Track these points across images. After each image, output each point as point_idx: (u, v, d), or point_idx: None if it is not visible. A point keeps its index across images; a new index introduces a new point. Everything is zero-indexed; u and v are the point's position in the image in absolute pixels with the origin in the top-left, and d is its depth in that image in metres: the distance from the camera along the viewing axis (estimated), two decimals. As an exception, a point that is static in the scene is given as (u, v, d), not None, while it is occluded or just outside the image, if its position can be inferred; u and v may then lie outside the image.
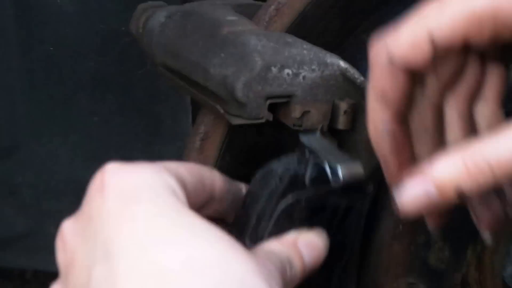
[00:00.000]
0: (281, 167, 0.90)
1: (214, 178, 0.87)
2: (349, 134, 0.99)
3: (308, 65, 0.95)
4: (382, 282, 1.05)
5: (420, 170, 0.80)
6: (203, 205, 0.86)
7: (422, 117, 0.89)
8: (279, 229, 0.90)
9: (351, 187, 0.92)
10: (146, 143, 1.63)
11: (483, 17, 0.79)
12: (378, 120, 0.86)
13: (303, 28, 1.03)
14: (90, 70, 1.55)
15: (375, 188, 0.99)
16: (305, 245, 0.87)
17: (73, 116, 1.58)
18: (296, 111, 0.95)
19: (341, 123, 0.97)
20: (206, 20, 1.02)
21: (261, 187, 0.91)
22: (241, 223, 0.92)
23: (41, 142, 1.59)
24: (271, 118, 0.94)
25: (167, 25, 1.07)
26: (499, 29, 0.79)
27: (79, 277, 0.72)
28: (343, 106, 0.96)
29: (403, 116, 0.88)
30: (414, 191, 0.79)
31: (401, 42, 0.81)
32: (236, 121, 0.95)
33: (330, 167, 0.89)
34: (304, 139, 0.94)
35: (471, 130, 0.90)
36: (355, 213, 0.95)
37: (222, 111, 0.96)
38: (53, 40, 1.51)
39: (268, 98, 0.94)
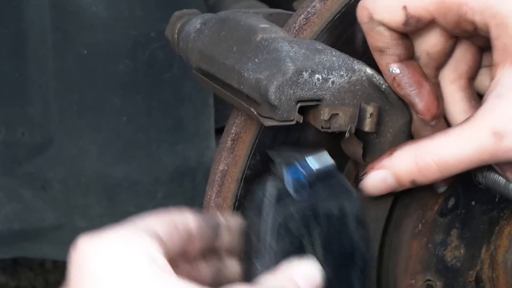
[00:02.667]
0: (264, 189, 0.90)
1: (187, 219, 0.86)
2: (374, 137, 0.98)
3: (337, 71, 0.95)
4: (401, 279, 1.04)
5: (380, 162, 0.93)
6: (184, 249, 0.85)
7: None
8: (283, 248, 0.90)
9: (332, 186, 0.92)
10: (171, 142, 1.62)
11: (450, 7, 0.88)
12: (383, 66, 0.95)
13: (332, 36, 1.02)
14: (120, 72, 1.54)
15: None
16: (302, 277, 0.87)
17: (103, 115, 1.57)
18: (325, 114, 0.95)
19: (367, 125, 0.96)
20: (240, 27, 1.01)
21: (255, 215, 0.90)
22: (248, 253, 0.91)
23: (72, 140, 1.58)
24: (301, 121, 0.93)
25: (202, 31, 1.06)
26: (462, 21, 0.88)
27: None
28: (369, 109, 0.95)
29: (405, 57, 0.95)
30: (375, 178, 0.93)
31: (378, 5, 0.92)
32: (268, 122, 0.94)
33: (301, 165, 0.91)
34: (272, 154, 0.94)
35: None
36: (352, 220, 0.94)
37: (255, 113, 0.95)
38: (87, 44, 1.51)
39: (299, 101, 0.93)
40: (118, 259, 0.73)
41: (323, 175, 0.92)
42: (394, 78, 0.94)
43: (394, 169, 0.92)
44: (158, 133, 1.61)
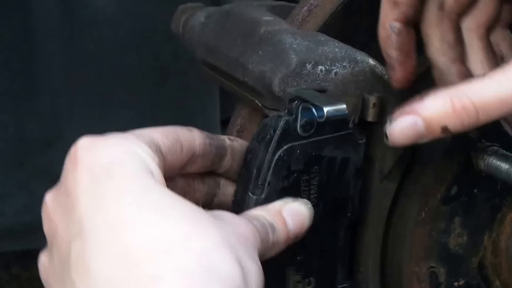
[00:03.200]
0: (274, 120, 0.90)
1: (193, 136, 0.85)
2: (377, 127, 0.99)
3: (340, 62, 0.95)
4: (405, 266, 1.05)
5: (411, 107, 0.84)
6: (185, 163, 0.85)
7: (442, 34, 0.94)
8: (278, 180, 0.91)
9: (343, 137, 0.92)
10: (178, 135, 1.63)
11: None
12: (387, 20, 0.92)
13: (334, 27, 1.03)
14: (127, 66, 1.55)
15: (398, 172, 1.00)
16: (290, 213, 0.87)
17: (111, 109, 1.58)
18: (328, 105, 0.95)
19: (370, 115, 0.96)
20: (244, 20, 1.02)
21: (259, 142, 0.91)
22: (244, 179, 0.92)
23: (81, 134, 1.58)
24: None
25: (207, 25, 1.07)
26: None
27: (61, 250, 0.73)
28: (372, 99, 0.96)
29: (411, 21, 0.92)
30: (404, 124, 0.84)
31: None
32: (273, 114, 0.95)
33: (316, 108, 0.90)
34: (292, 91, 0.94)
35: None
36: (352, 167, 0.95)
37: (260, 104, 0.96)
38: (94, 38, 1.51)
39: None
40: (108, 158, 0.73)
41: (335, 124, 0.92)
42: (388, 35, 0.93)
43: (426, 112, 0.83)
44: (165, 125, 1.62)
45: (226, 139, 0.92)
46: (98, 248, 0.68)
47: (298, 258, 0.96)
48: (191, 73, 1.60)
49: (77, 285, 0.68)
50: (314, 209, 0.93)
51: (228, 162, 0.91)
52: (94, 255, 0.68)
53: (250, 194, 0.91)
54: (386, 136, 0.87)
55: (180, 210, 0.71)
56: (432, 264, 1.05)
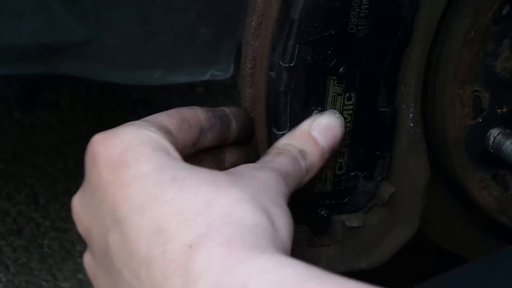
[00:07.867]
0: None
1: (196, 113, 0.88)
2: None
3: None
4: (448, 87, 0.99)
5: None
6: (197, 139, 0.88)
7: None
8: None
9: None
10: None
11: None
12: None
13: None
14: None
15: None
16: (319, 130, 0.88)
17: None
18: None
19: None
20: None
21: None
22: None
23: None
24: None
25: None
26: None
27: (99, 244, 0.76)
28: None
29: None
30: None
31: None
32: None
33: None
34: None
35: None
36: None
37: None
38: None
39: None
40: (122, 147, 0.77)
41: None
42: None
43: None
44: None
45: (224, 108, 0.94)
46: (133, 231, 0.72)
47: (342, 69, 0.93)
48: None
49: (123, 272, 0.72)
50: (364, 21, 0.91)
51: (235, 129, 0.93)
52: (131, 239, 0.71)
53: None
54: None
55: (197, 178, 0.74)
56: (477, 88, 1.00)
